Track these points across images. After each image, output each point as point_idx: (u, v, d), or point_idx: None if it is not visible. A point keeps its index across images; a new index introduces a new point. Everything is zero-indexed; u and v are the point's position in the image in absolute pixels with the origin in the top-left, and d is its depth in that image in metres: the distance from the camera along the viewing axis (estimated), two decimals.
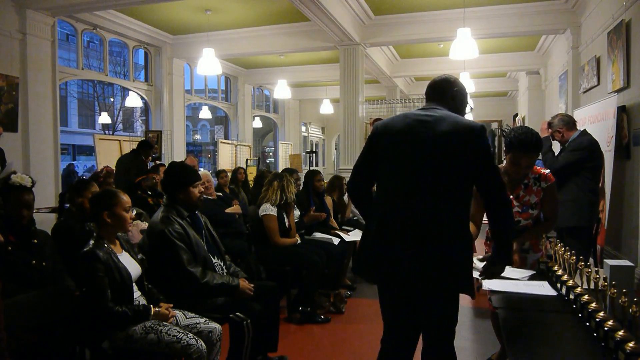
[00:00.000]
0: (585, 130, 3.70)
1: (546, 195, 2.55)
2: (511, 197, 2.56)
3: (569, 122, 3.70)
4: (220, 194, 4.79)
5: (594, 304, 1.72)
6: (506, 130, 2.60)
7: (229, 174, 6.08)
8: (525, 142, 2.41)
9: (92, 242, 2.21)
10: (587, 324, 1.69)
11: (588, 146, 3.54)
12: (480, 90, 11.42)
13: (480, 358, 3.12)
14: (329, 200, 5.06)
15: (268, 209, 3.90)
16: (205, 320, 2.35)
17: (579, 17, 6.20)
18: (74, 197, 2.97)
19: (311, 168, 11.67)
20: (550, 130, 3.78)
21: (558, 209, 2.65)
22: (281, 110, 13.44)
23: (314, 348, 3.38)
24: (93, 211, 2.30)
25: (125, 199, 2.34)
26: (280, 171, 4.66)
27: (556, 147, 3.86)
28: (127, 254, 2.35)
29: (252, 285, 2.73)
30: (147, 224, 3.32)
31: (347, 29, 6.49)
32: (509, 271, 2.39)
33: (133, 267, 2.31)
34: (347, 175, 6.57)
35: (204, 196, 4.25)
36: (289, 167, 8.52)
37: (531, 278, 2.33)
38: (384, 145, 1.92)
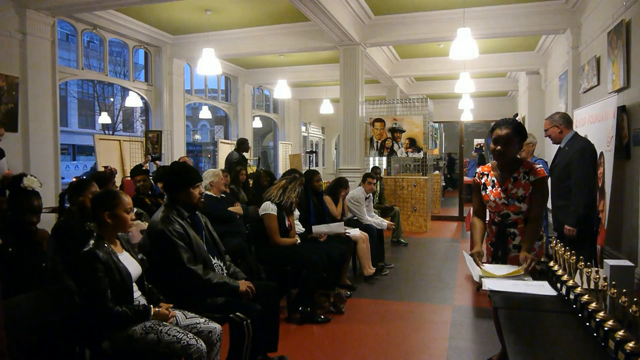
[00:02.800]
0: (577, 132, 3.73)
1: (534, 189, 2.56)
2: (499, 189, 2.61)
3: (569, 122, 3.73)
4: (223, 194, 4.79)
5: (594, 304, 1.72)
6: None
7: (230, 174, 6.07)
8: (499, 121, 2.59)
9: (92, 242, 2.21)
10: (587, 324, 1.69)
11: (591, 146, 3.57)
12: (480, 90, 11.42)
13: (481, 358, 3.12)
14: (328, 199, 5.07)
15: (268, 208, 3.90)
16: (205, 320, 2.35)
17: (579, 17, 6.20)
18: (74, 196, 2.97)
19: (310, 168, 11.69)
20: (548, 123, 3.75)
21: (544, 207, 2.66)
22: (281, 110, 13.44)
23: (314, 348, 3.38)
24: (94, 211, 2.30)
25: (127, 199, 2.33)
26: (283, 172, 4.67)
27: (549, 146, 3.85)
28: (127, 253, 2.35)
29: (252, 285, 2.73)
30: (147, 223, 3.32)
31: (347, 29, 6.49)
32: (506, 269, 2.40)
33: (133, 267, 2.31)
34: (347, 175, 6.58)
35: (207, 193, 4.27)
36: (291, 167, 8.52)
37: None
38: None
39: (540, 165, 2.65)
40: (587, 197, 3.45)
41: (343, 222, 4.56)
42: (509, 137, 2.51)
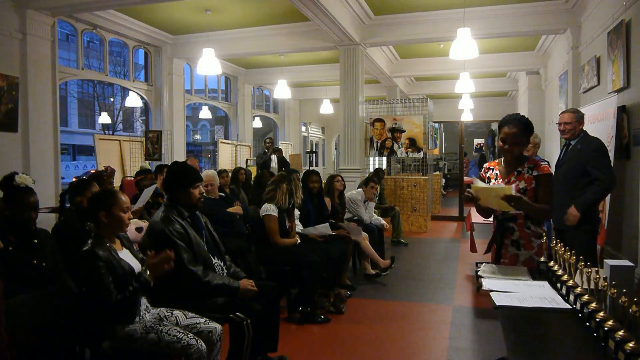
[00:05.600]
0: (586, 130, 3.69)
1: (538, 183, 2.58)
2: (502, 181, 2.66)
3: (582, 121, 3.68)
4: (222, 194, 4.78)
5: (594, 304, 1.72)
6: None
7: (230, 174, 6.08)
8: (506, 117, 2.60)
9: (90, 241, 2.20)
10: (587, 324, 1.69)
11: (604, 145, 3.57)
12: (480, 90, 11.42)
13: (481, 358, 3.12)
14: (328, 201, 5.06)
15: (269, 209, 3.90)
16: (206, 320, 2.35)
17: (579, 17, 6.20)
18: (74, 196, 2.97)
19: (310, 168, 11.68)
20: (572, 117, 3.66)
21: (550, 202, 2.61)
22: (281, 110, 13.44)
23: (314, 348, 3.38)
24: (90, 210, 2.29)
25: (124, 199, 2.32)
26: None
27: (555, 140, 3.80)
28: (127, 251, 2.35)
29: (252, 282, 2.73)
30: (145, 221, 3.31)
31: (347, 29, 6.49)
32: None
33: (134, 264, 2.31)
34: (347, 175, 6.58)
35: (206, 195, 4.26)
36: (291, 167, 8.52)
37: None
38: None
39: (546, 163, 2.66)
40: (602, 195, 3.54)
41: (328, 224, 4.54)
42: (515, 135, 2.55)
